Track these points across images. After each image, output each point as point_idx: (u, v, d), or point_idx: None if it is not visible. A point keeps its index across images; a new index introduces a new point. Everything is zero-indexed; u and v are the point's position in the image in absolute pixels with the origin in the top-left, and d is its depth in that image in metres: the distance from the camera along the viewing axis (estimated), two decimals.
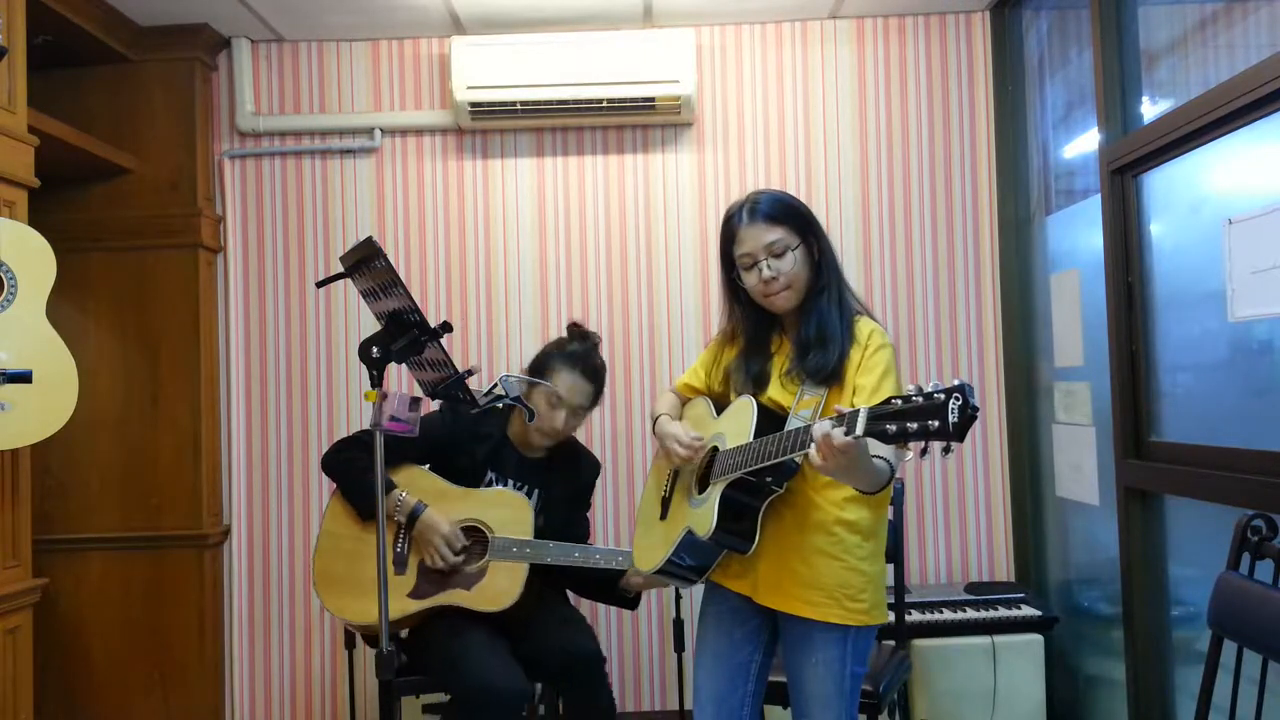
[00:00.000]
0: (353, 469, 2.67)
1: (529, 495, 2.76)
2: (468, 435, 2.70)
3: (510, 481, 2.75)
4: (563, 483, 2.81)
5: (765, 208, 2.03)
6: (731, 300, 2.14)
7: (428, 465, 2.74)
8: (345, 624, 2.69)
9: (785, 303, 2.04)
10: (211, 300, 3.61)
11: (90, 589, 3.49)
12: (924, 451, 1.57)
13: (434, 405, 2.60)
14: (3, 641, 2.59)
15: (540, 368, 2.72)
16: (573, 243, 3.66)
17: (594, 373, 2.75)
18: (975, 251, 3.62)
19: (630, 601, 2.78)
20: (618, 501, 3.61)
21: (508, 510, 2.67)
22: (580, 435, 3.54)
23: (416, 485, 2.67)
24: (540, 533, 2.69)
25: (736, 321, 2.15)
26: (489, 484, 2.74)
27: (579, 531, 2.88)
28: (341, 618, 2.63)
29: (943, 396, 1.52)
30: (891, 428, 1.57)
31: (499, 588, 2.59)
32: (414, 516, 2.59)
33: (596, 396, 2.78)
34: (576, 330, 2.84)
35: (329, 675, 3.61)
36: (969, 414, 1.50)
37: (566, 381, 2.68)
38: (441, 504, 2.65)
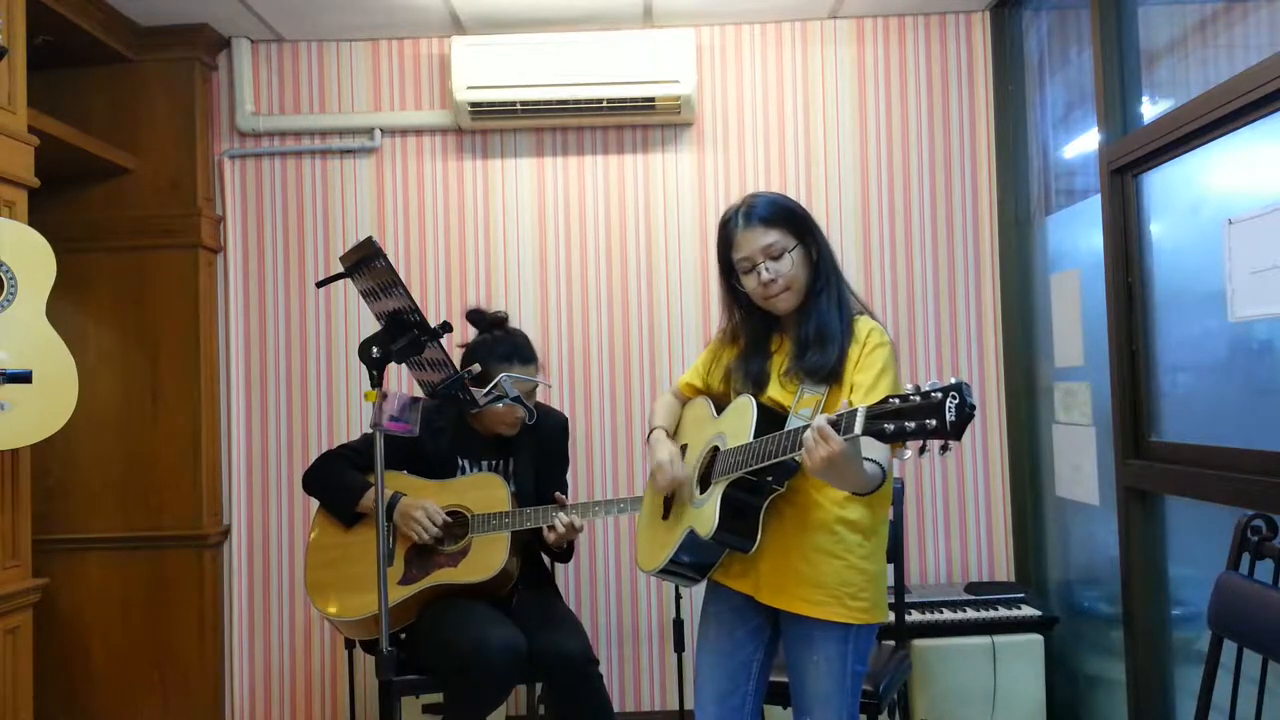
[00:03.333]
0: (329, 480, 2.76)
1: (502, 465, 2.83)
2: (427, 432, 2.72)
3: (484, 463, 2.82)
4: (530, 444, 2.86)
5: (761, 211, 2.03)
6: (731, 304, 2.15)
7: (405, 471, 2.79)
8: (342, 625, 2.69)
9: (786, 304, 2.04)
10: (211, 300, 3.61)
11: (90, 589, 3.49)
12: (923, 449, 1.58)
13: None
14: (3, 641, 2.58)
15: (484, 378, 2.67)
16: (573, 243, 3.66)
17: (528, 353, 2.80)
18: (975, 251, 3.62)
19: (562, 555, 2.86)
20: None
21: (485, 490, 2.74)
22: (581, 434, 3.57)
23: (394, 484, 2.73)
24: (517, 495, 2.77)
25: (736, 324, 2.15)
26: (462, 470, 2.81)
27: (557, 489, 2.90)
28: (339, 617, 2.65)
29: (940, 395, 1.54)
30: (889, 427, 1.59)
31: (484, 558, 2.65)
32: (392, 505, 2.66)
33: (538, 369, 2.84)
34: (482, 320, 2.87)
35: (329, 675, 3.61)
36: (966, 412, 1.51)
37: (514, 376, 2.71)
38: (421, 497, 2.71)
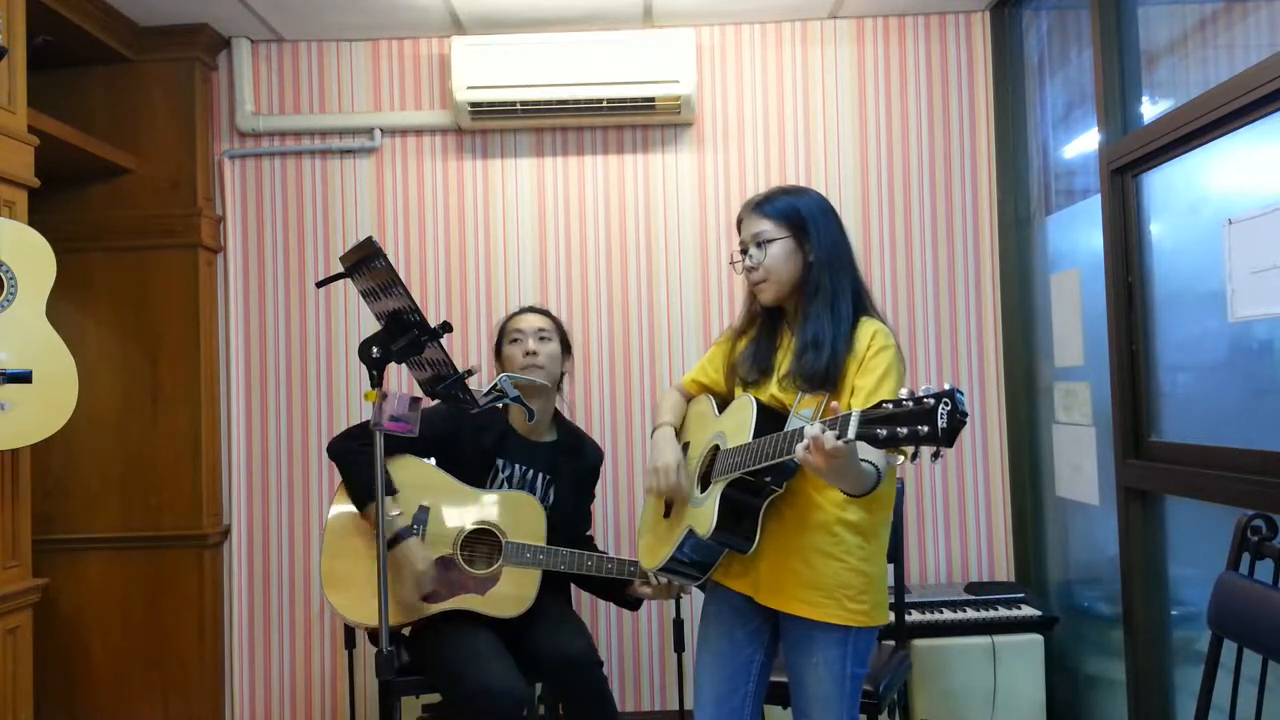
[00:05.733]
0: (357, 460, 2.63)
1: (537, 480, 2.78)
2: (471, 426, 2.70)
3: (518, 467, 2.77)
4: (569, 467, 2.84)
5: (765, 200, 2.09)
6: (750, 291, 2.17)
7: (434, 460, 2.74)
8: (354, 624, 2.67)
9: (766, 294, 2.08)
10: (211, 300, 3.61)
11: (90, 589, 3.49)
12: (914, 456, 1.59)
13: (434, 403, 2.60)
14: (3, 641, 2.58)
15: (499, 336, 2.87)
16: (573, 243, 3.66)
17: (534, 308, 2.90)
18: (975, 251, 3.62)
19: (631, 604, 2.81)
20: (617, 499, 3.61)
21: (520, 514, 2.68)
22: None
23: (428, 482, 2.67)
24: (548, 518, 2.72)
25: (757, 309, 2.16)
26: (497, 472, 2.75)
27: (583, 522, 2.91)
28: (352, 619, 2.60)
29: (932, 401, 1.54)
30: (882, 432, 1.59)
31: (512, 594, 2.61)
32: (396, 540, 2.56)
33: (555, 322, 2.87)
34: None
35: (329, 675, 3.61)
36: (958, 419, 1.51)
37: (517, 321, 2.82)
38: (454, 503, 2.65)
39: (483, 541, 2.66)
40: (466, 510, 2.66)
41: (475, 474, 2.73)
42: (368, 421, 2.74)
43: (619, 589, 2.75)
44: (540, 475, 2.79)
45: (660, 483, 2.10)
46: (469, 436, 2.72)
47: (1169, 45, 2.69)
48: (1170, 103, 2.62)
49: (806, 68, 3.66)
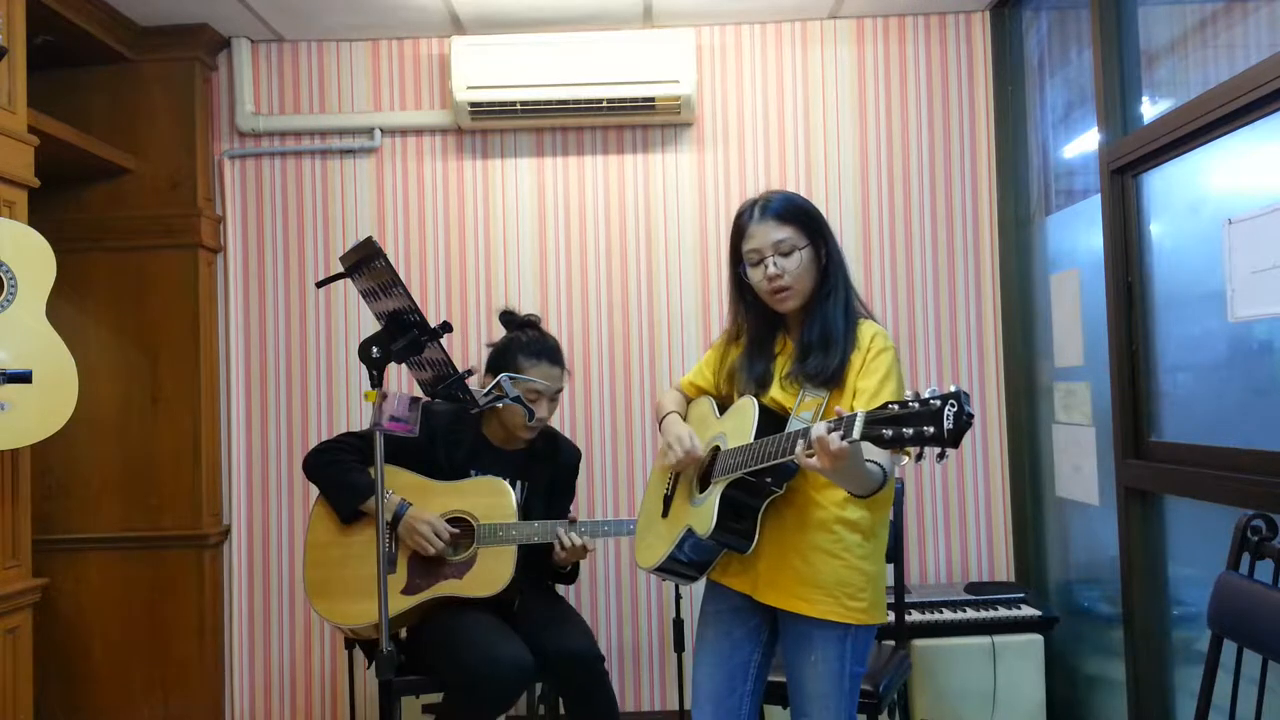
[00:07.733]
0: (333, 470, 2.69)
1: (517, 487, 2.78)
2: (445, 440, 2.71)
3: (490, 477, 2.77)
4: (545, 473, 2.84)
5: (777, 206, 2.04)
6: (737, 299, 2.15)
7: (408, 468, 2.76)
8: (343, 630, 2.68)
9: (789, 304, 2.04)
10: (211, 300, 3.61)
11: (90, 589, 3.49)
12: (919, 456, 1.58)
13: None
14: (3, 641, 2.59)
15: (505, 368, 2.69)
16: (573, 243, 3.66)
17: (556, 354, 2.77)
18: (975, 251, 3.62)
19: (566, 577, 2.84)
20: (617, 500, 3.61)
21: (490, 497, 2.69)
22: (581, 434, 3.57)
23: (398, 482, 2.69)
24: (523, 515, 2.72)
25: (741, 320, 2.15)
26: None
27: (559, 518, 2.89)
28: (339, 623, 2.63)
29: (938, 403, 1.54)
30: (887, 433, 1.59)
31: (491, 572, 2.61)
32: (398, 516, 2.61)
33: (564, 375, 2.81)
34: (515, 320, 2.85)
35: (329, 675, 3.61)
36: (964, 421, 1.51)
37: (539, 372, 2.70)
38: (425, 499, 2.67)
39: (458, 529, 2.67)
40: (438, 501, 2.67)
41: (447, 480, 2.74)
42: (340, 435, 2.80)
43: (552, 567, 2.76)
44: (516, 484, 2.78)
45: (679, 448, 2.06)
46: (442, 448, 2.72)
47: (1169, 45, 2.69)
48: (1170, 103, 2.62)
49: (806, 68, 3.66)
